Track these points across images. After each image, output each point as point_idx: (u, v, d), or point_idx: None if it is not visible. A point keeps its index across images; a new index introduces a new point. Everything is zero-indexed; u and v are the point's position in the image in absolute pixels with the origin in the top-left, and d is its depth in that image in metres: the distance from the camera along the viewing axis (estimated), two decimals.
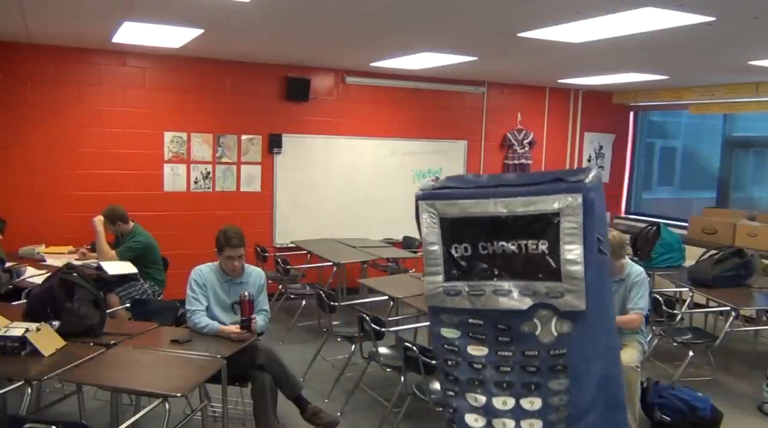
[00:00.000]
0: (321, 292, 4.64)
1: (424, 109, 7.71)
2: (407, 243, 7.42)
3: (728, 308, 4.85)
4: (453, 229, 2.13)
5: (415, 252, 6.95)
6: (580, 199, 2.00)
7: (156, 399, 2.81)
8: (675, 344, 4.73)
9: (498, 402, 2.19)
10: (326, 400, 4.46)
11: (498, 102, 8.12)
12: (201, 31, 4.91)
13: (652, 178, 9.47)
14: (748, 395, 4.80)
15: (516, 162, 8.21)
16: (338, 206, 7.37)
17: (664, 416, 4.11)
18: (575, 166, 8.74)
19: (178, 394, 2.80)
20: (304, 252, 6.66)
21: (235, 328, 3.58)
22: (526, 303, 2.11)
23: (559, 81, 7.70)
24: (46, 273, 4.40)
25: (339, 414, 4.16)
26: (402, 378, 3.86)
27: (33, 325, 3.19)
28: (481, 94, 8.01)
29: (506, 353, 2.17)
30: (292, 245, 6.95)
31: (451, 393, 2.22)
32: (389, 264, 6.56)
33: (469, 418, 2.20)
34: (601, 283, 2.09)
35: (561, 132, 8.65)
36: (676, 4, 3.46)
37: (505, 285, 2.11)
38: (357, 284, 6.36)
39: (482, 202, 2.10)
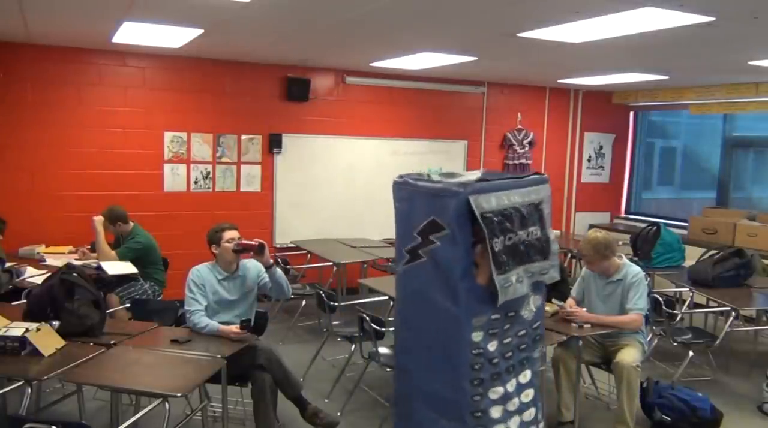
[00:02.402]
0: (321, 292, 4.64)
1: (424, 109, 7.70)
2: None
3: (728, 308, 4.85)
4: (491, 223, 2.15)
5: None
6: (549, 188, 2.36)
7: (156, 399, 2.81)
8: (675, 344, 4.73)
9: (510, 386, 2.30)
10: (326, 400, 4.46)
11: (498, 102, 8.12)
12: (201, 31, 4.91)
13: (652, 178, 9.48)
14: (748, 395, 4.80)
15: (516, 162, 8.21)
16: (338, 206, 7.37)
17: (664, 416, 4.11)
18: (575, 166, 8.76)
19: (178, 394, 2.80)
20: (304, 252, 6.67)
21: (234, 328, 3.58)
22: (528, 285, 2.25)
23: (559, 81, 7.70)
24: (46, 273, 4.40)
25: (339, 414, 4.16)
26: None
27: (33, 325, 3.20)
28: (481, 94, 8.00)
29: (507, 339, 2.26)
30: (292, 245, 6.95)
31: (477, 397, 2.25)
32: (389, 264, 6.55)
33: (493, 412, 2.28)
34: None
35: (561, 132, 8.65)
36: (676, 4, 3.46)
37: (519, 271, 2.21)
38: (357, 284, 6.36)
39: (507, 193, 2.19)
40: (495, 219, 2.14)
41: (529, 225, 2.20)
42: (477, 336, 2.19)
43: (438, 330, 2.21)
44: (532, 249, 2.22)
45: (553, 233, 2.33)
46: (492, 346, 2.22)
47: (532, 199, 2.23)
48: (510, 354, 2.25)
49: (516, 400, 2.28)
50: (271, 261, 3.88)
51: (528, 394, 2.32)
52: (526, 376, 2.30)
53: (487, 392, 2.23)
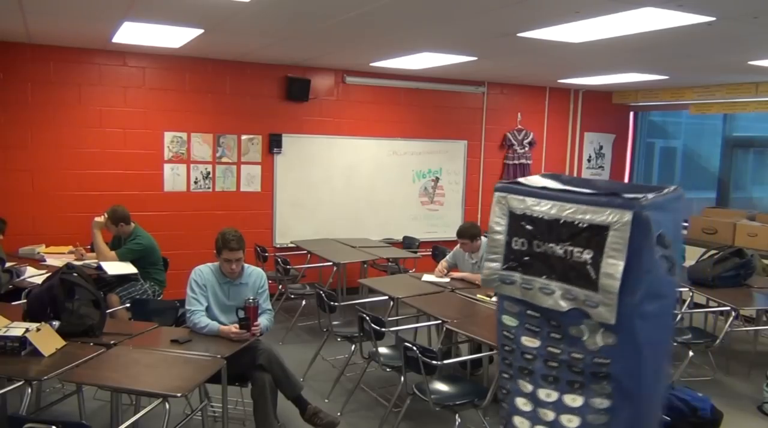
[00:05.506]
0: (321, 292, 4.64)
1: (424, 109, 7.71)
2: (407, 243, 7.42)
3: (728, 308, 4.85)
4: (515, 223, 2.28)
5: (415, 252, 6.96)
6: (629, 217, 2.00)
7: (156, 399, 2.81)
8: (675, 344, 4.73)
9: (542, 394, 2.30)
10: (326, 400, 4.46)
11: (498, 102, 8.12)
12: (201, 31, 4.91)
13: (652, 178, 9.47)
14: (748, 395, 4.80)
15: (516, 162, 8.22)
16: (338, 206, 7.37)
17: (664, 416, 4.10)
18: (575, 166, 8.76)
19: (178, 394, 2.80)
20: (304, 252, 6.66)
21: (234, 328, 3.58)
22: (564, 306, 2.18)
23: (559, 81, 7.70)
24: (46, 273, 4.41)
25: (339, 414, 4.16)
26: (402, 378, 3.86)
27: (33, 325, 3.20)
28: (481, 94, 8.01)
29: (555, 350, 2.27)
30: (292, 245, 6.95)
31: (506, 375, 2.39)
32: (389, 264, 6.56)
33: (519, 401, 2.36)
34: (658, 307, 2.08)
35: (561, 132, 8.65)
36: (676, 4, 3.46)
37: (551, 285, 2.22)
38: (357, 284, 6.36)
39: (544, 202, 2.22)
40: (517, 220, 2.27)
41: (569, 243, 2.14)
42: (508, 320, 2.35)
43: None
44: (572, 271, 2.14)
45: (618, 270, 2.03)
46: (529, 342, 2.32)
47: (582, 218, 2.10)
48: (555, 364, 2.27)
49: (551, 413, 2.28)
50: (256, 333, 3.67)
51: (571, 420, 2.25)
52: (575, 400, 2.24)
53: (515, 379, 2.36)
